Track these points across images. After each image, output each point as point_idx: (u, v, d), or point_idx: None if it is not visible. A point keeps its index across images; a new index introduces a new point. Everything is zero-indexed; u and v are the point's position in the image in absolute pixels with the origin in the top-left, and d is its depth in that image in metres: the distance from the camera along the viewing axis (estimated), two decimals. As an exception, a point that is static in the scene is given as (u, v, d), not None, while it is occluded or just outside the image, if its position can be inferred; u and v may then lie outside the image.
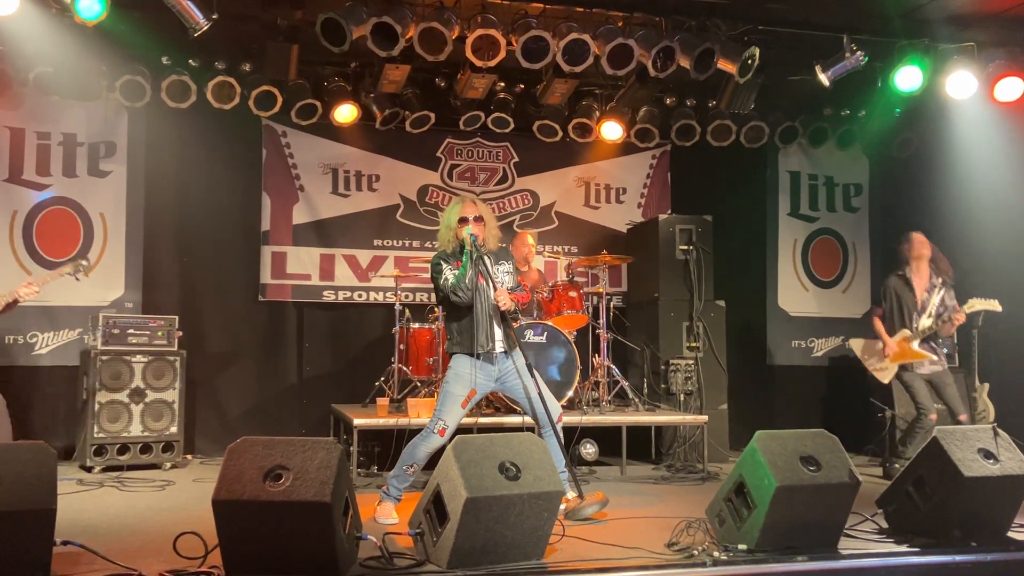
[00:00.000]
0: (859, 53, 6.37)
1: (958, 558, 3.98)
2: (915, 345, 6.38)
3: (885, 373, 6.55)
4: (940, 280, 6.51)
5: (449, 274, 4.88)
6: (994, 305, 6.17)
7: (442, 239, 5.06)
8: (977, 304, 6.19)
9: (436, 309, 6.94)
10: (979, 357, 7.31)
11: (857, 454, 7.32)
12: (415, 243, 7.98)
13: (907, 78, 6.66)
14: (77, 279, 5.62)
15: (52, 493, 3.36)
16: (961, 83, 6.77)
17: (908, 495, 4.38)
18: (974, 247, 7.10)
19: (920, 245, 6.57)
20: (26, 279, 5.41)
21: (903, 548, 4.15)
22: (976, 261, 5.65)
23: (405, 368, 6.86)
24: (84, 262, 5.69)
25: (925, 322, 6.38)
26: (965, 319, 6.29)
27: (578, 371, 6.60)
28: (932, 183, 8.23)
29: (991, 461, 4.24)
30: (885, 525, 4.47)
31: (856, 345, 6.87)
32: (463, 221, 4.92)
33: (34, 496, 3.31)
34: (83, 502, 5.37)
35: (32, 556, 3.32)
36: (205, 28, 5.57)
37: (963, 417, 6.34)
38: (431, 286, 7.28)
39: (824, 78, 6.57)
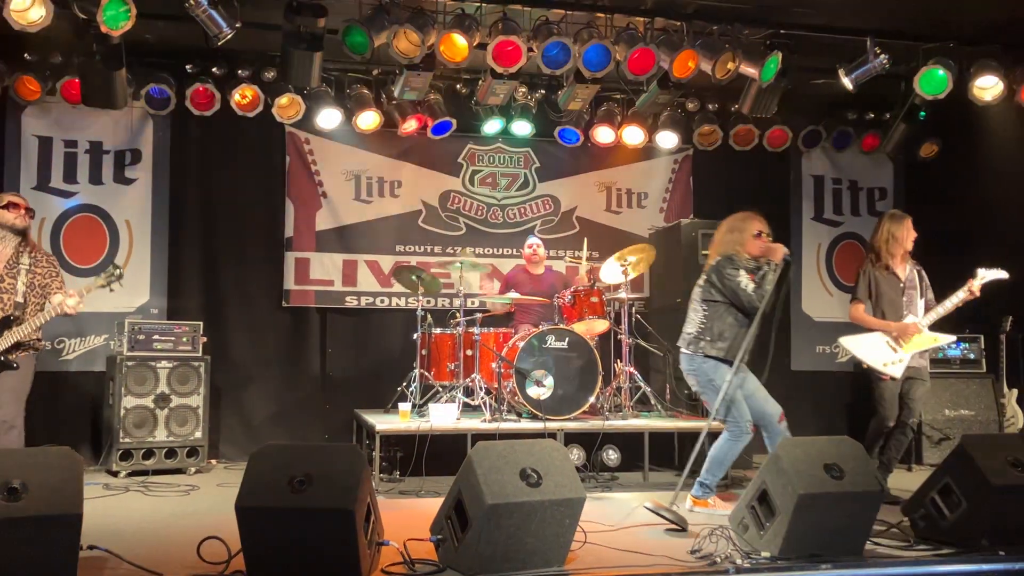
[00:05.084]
0: (883, 56, 6.31)
1: (985, 567, 3.92)
2: (927, 331, 5.59)
3: (899, 366, 5.60)
4: (914, 265, 5.80)
5: (747, 281, 5.05)
6: (1001, 273, 5.44)
7: (730, 244, 5.20)
8: (987, 275, 5.45)
9: (457, 315, 6.93)
10: (1007, 362, 7.20)
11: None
12: (436, 249, 8.00)
13: (932, 82, 6.58)
14: (111, 290, 5.51)
15: (78, 498, 3.40)
16: (987, 87, 6.69)
17: (934, 503, 4.34)
18: (999, 253, 6.98)
19: (911, 231, 5.77)
20: (67, 291, 5.11)
21: (929, 557, 4.10)
22: (1002, 267, 5.53)
23: (427, 373, 6.87)
24: (117, 271, 5.37)
25: (921, 309, 5.65)
26: (979, 293, 5.45)
27: (600, 377, 6.58)
28: (957, 187, 8.14)
29: (1020, 469, 4.19)
30: (911, 534, 4.42)
31: (853, 344, 5.77)
32: (759, 235, 5.16)
33: (61, 501, 3.35)
34: (109, 507, 5.44)
35: (59, 560, 3.35)
36: (229, 36, 5.62)
37: (913, 421, 5.73)
38: (453, 291, 7.37)
39: (848, 82, 6.52)
